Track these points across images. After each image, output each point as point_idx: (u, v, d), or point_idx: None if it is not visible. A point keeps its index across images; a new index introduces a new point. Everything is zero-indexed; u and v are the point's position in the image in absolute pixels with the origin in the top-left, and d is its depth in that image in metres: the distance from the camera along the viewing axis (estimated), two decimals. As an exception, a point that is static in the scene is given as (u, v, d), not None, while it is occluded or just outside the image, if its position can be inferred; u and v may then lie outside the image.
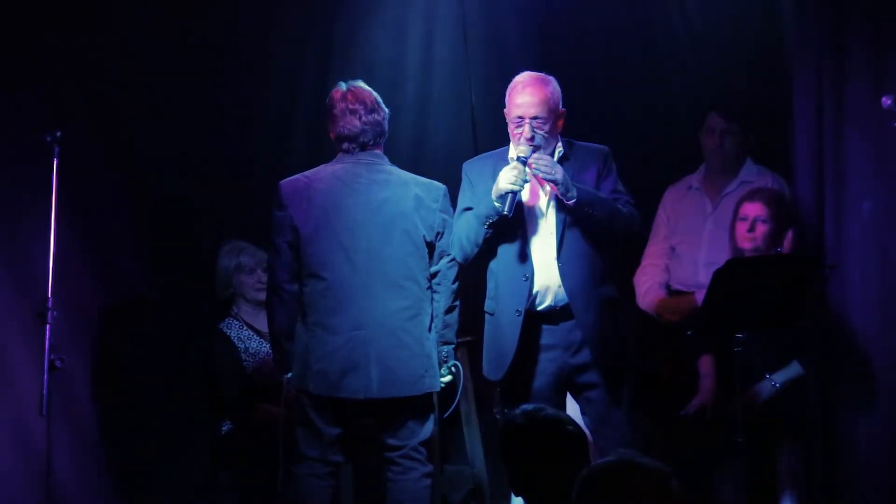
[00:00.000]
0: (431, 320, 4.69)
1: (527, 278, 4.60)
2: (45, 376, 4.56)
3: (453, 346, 4.81)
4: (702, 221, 5.46)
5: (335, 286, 4.57)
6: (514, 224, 4.59)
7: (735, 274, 4.65)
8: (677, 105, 5.91)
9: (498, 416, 5.67)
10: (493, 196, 4.50)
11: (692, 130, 5.62)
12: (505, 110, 4.69)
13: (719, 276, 4.63)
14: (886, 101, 4.59)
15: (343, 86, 4.71)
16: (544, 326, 4.63)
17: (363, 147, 4.66)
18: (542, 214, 4.64)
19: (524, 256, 4.62)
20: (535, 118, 4.58)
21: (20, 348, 4.91)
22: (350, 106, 4.65)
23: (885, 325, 4.89)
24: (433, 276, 4.71)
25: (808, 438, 5.03)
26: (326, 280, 4.58)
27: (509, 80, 4.81)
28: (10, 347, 4.95)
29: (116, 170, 5.37)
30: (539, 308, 4.63)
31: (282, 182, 4.68)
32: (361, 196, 4.62)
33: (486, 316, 4.74)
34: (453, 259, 4.72)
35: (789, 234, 5.07)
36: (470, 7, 6.00)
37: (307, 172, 4.72)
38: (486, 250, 4.65)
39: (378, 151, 4.72)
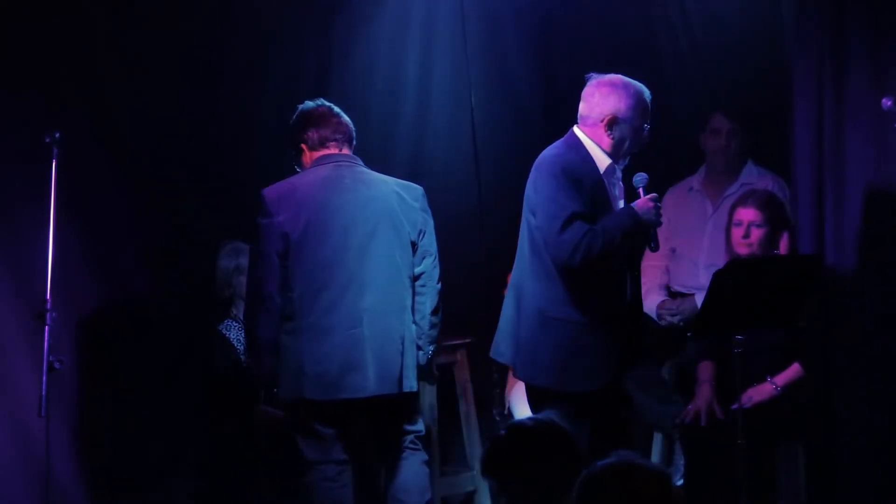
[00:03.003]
0: (413, 318, 4.69)
1: (627, 289, 4.55)
2: (45, 377, 4.55)
3: (436, 345, 4.81)
4: (702, 223, 5.47)
5: (329, 286, 4.57)
6: None
7: (735, 275, 4.65)
8: (677, 106, 5.92)
9: (497, 418, 5.68)
10: (634, 225, 4.41)
11: (692, 131, 5.62)
12: (635, 121, 4.48)
13: (719, 278, 4.63)
14: (887, 102, 4.59)
15: (310, 102, 4.79)
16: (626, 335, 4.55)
17: (344, 146, 4.73)
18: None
19: (630, 267, 4.57)
20: None
21: (19, 349, 4.92)
22: (328, 111, 4.75)
23: (885, 325, 4.89)
24: (418, 276, 4.71)
25: (808, 440, 5.03)
26: (320, 281, 4.57)
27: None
28: (10, 348, 4.96)
29: (116, 170, 5.36)
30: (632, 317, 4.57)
31: (265, 190, 4.66)
32: (349, 195, 4.64)
33: (576, 325, 4.45)
34: (436, 259, 4.74)
35: (785, 236, 5.07)
36: (470, 8, 6.00)
37: (289, 179, 4.73)
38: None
39: (353, 155, 4.76)
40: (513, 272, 4.67)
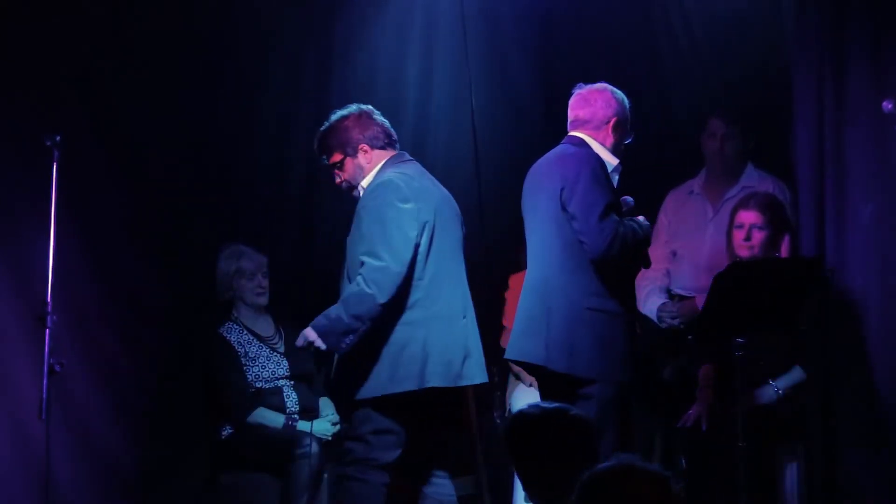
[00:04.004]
0: None
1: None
2: (45, 380, 4.55)
3: None
4: (703, 226, 5.46)
5: (450, 275, 4.63)
6: None
7: (736, 278, 4.65)
8: (677, 106, 5.91)
9: (498, 420, 5.68)
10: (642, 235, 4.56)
11: (693, 134, 5.61)
12: (628, 124, 4.65)
13: (720, 281, 4.63)
14: (887, 105, 4.59)
15: (352, 106, 4.73)
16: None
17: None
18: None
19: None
20: None
21: (20, 352, 4.92)
22: (375, 112, 4.74)
23: (886, 328, 4.88)
24: None
25: (808, 443, 5.02)
26: (444, 270, 4.61)
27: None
28: (10, 348, 4.96)
29: (116, 172, 5.36)
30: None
31: (392, 178, 4.57)
32: (437, 190, 4.71)
33: (611, 315, 4.52)
34: None
35: (786, 239, 5.07)
36: (470, 8, 5.99)
37: (392, 171, 4.64)
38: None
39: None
40: (529, 271, 4.65)
